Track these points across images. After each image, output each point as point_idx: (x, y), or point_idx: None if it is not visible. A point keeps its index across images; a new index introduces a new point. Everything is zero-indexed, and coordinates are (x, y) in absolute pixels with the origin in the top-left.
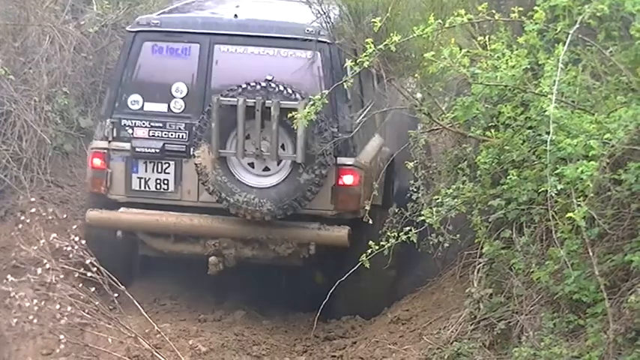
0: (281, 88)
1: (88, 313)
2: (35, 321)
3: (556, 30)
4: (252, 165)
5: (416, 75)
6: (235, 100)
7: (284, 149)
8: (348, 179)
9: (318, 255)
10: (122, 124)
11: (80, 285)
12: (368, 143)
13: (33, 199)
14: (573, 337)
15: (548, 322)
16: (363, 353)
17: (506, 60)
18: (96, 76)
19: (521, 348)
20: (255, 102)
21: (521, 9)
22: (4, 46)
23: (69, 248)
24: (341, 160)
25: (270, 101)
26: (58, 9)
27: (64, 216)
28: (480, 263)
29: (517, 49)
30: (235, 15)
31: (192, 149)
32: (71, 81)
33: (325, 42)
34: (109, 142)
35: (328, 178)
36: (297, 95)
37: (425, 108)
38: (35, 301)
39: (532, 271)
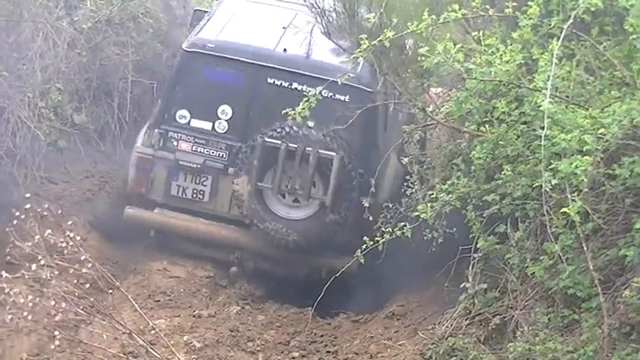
0: (320, 137)
1: (82, 310)
2: (29, 317)
3: (550, 25)
4: (283, 196)
5: (409, 70)
6: (278, 143)
7: (315, 187)
8: (366, 217)
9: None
10: (168, 135)
11: (75, 281)
12: (387, 173)
13: (28, 195)
14: (568, 331)
15: (543, 317)
16: (357, 349)
17: (501, 55)
18: (90, 72)
19: (516, 343)
20: (296, 148)
21: (515, 4)
22: None
23: (64, 245)
24: (362, 200)
25: (309, 148)
26: (51, 5)
27: (59, 212)
28: (475, 258)
29: (511, 44)
30: (285, 50)
31: (230, 169)
32: (65, 77)
33: (364, 89)
34: (155, 149)
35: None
36: (335, 145)
37: (419, 103)
38: (30, 297)
39: (527, 266)
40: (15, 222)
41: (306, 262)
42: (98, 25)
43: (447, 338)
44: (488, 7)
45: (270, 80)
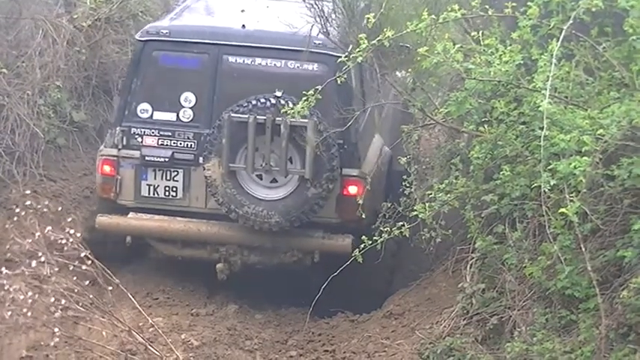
0: (291, 105)
1: (82, 306)
2: (29, 314)
3: (549, 25)
4: (260, 177)
5: (409, 70)
6: (246, 116)
7: (292, 163)
8: (352, 189)
9: (322, 262)
10: (132, 132)
11: (74, 278)
12: (370, 148)
13: (28, 192)
14: (565, 332)
15: (541, 318)
16: (355, 348)
17: (500, 55)
18: (89, 70)
19: (513, 343)
20: (265, 119)
21: (514, 4)
22: None
23: (63, 241)
24: (346, 171)
25: (279, 119)
26: (50, 2)
27: (59, 209)
28: (473, 258)
29: (510, 45)
30: (243, 25)
31: (200, 159)
32: (64, 75)
33: (332, 55)
34: (119, 149)
35: (334, 188)
36: (307, 111)
37: (418, 103)
38: (29, 293)
39: (524, 267)
40: (15, 218)
41: (295, 246)
42: (97, 23)
43: (444, 338)
44: (487, 7)
45: (231, 59)
